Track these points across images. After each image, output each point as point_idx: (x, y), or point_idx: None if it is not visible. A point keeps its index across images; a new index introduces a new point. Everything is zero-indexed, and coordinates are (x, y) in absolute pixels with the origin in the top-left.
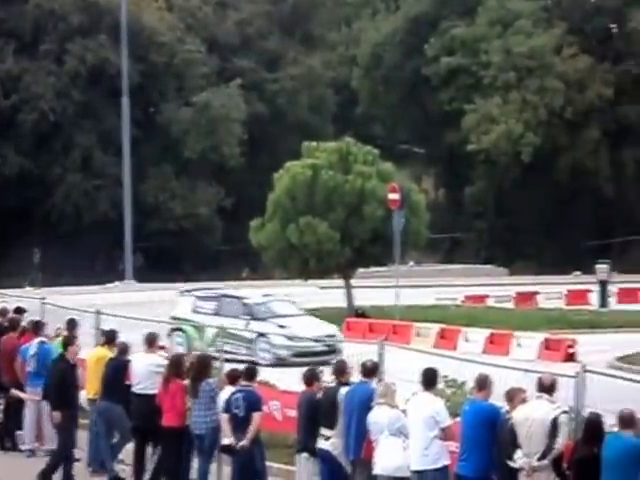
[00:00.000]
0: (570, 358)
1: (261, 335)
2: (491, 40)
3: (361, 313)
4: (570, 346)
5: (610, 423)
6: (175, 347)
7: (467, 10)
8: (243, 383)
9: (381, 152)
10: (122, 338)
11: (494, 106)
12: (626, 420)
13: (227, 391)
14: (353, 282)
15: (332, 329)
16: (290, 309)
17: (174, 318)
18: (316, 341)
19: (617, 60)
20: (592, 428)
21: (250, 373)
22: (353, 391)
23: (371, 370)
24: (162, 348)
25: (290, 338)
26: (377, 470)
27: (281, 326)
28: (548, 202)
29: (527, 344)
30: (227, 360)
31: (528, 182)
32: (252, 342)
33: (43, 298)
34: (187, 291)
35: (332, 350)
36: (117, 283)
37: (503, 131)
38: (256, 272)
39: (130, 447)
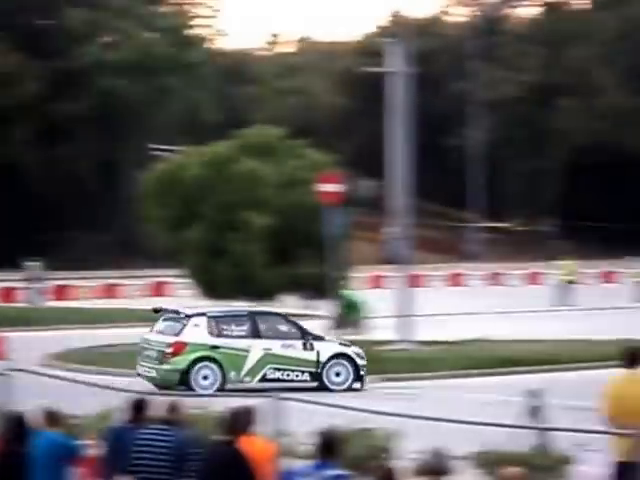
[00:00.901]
0: None
1: (340, 356)
2: None
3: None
4: None
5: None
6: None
7: None
8: None
9: None
10: None
11: None
12: (50, 418)
13: None
14: None
15: None
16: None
17: (190, 346)
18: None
19: (51, 56)
20: (16, 426)
21: None
22: None
23: None
24: None
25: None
26: None
27: (344, 344)
28: None
29: None
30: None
31: None
32: (320, 365)
33: None
34: (157, 310)
35: None
36: None
37: None
38: None
39: None
